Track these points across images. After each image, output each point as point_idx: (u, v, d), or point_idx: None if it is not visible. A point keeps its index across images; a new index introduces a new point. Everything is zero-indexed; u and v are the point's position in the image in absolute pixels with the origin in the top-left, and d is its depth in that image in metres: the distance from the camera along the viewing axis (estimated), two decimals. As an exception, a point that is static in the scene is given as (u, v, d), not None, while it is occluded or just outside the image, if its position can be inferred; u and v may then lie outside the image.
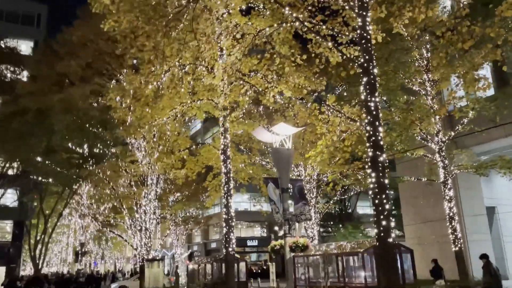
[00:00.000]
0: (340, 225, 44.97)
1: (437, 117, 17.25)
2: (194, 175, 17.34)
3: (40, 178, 21.04)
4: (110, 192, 22.15)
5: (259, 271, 41.58)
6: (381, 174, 8.52)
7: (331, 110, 10.79)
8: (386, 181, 8.58)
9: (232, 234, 14.13)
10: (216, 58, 13.31)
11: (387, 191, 8.47)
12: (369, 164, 8.68)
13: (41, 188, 24.99)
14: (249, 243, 54.32)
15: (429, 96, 17.45)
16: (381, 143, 8.75)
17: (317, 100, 12.02)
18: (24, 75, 26.95)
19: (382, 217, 8.33)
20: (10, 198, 36.64)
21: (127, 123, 14.76)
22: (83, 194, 27.43)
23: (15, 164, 29.53)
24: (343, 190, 31.19)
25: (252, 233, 57.49)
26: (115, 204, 26.42)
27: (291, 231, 10.95)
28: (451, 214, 16.96)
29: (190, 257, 56.98)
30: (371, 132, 8.73)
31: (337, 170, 27.23)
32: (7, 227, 44.64)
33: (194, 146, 17.35)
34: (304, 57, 12.17)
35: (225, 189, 14.46)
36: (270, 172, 21.06)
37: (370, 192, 8.66)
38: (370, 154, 8.66)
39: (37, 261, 19.86)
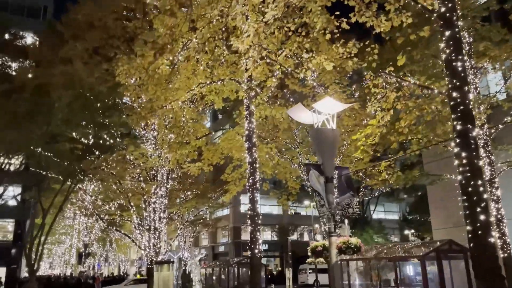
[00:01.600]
0: (355, 230, 42.82)
1: (482, 107, 15.22)
2: (210, 168, 15.34)
3: (42, 172, 19.12)
4: (117, 187, 20.19)
5: (269, 276, 39.55)
6: (474, 154, 6.51)
7: (388, 82, 8.82)
8: (480, 162, 6.60)
9: (258, 233, 12.10)
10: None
11: (480, 178, 6.48)
12: (457, 141, 6.66)
13: (41, 182, 23.09)
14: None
15: (472, 85, 15.47)
16: (472, 113, 6.76)
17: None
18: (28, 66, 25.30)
19: (478, 209, 6.33)
20: (11, 196, 34.90)
21: (138, 106, 12.83)
22: (87, 189, 25.43)
23: (17, 161, 27.87)
24: (364, 191, 29.12)
25: (262, 237, 55.28)
26: (122, 201, 24.50)
27: (337, 229, 8.96)
28: (498, 216, 14.93)
29: (214, 258, 54.94)
30: (459, 100, 6.73)
31: (361, 167, 25.14)
32: (9, 226, 42.91)
33: (213, 133, 15.38)
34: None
35: (250, 181, 12.46)
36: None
37: (460, 178, 6.65)
38: (459, 127, 6.64)
39: (32, 262, 17.96)
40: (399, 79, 8.22)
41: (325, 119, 9.71)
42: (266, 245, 52.61)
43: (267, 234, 55.32)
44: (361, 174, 27.75)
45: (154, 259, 20.30)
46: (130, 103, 16.30)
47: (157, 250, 20.57)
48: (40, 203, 20.34)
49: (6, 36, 26.58)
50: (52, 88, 13.07)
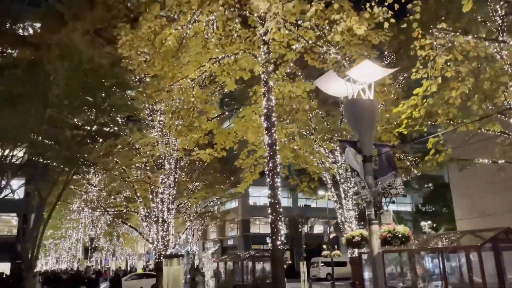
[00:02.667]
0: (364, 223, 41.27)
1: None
2: (223, 153, 14.02)
3: (43, 161, 17.90)
4: (122, 177, 18.93)
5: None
6: None
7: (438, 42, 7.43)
8: None
9: (280, 223, 10.79)
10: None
11: None
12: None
13: (44, 174, 21.86)
14: (268, 240, 50.89)
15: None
16: None
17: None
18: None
19: None
20: (15, 189, 33.89)
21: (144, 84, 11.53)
22: (93, 181, 24.20)
23: (20, 153, 26.73)
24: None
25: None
26: (128, 193, 23.29)
27: (378, 216, 7.62)
28: None
29: (223, 252, 53.79)
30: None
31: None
32: (13, 221, 41.99)
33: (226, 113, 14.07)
34: None
35: (270, 165, 11.12)
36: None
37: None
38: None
39: (29, 255, 16.78)
40: (454, 34, 6.80)
41: (360, 89, 8.37)
42: (276, 238, 51.44)
43: (276, 227, 54.12)
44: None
45: (163, 253, 19.09)
46: (135, 81, 14.98)
47: (166, 243, 19.36)
48: (39, 194, 19.15)
49: (7, 25, 25.38)
50: (47, 61, 11.78)
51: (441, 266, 8.33)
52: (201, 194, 25.15)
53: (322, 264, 43.42)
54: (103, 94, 12.71)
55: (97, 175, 26.98)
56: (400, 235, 8.60)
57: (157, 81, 11.85)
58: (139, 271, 47.04)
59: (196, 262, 30.01)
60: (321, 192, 30.28)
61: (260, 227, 52.47)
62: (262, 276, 18.94)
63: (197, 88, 14.37)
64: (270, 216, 10.84)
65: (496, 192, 22.50)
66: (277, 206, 10.88)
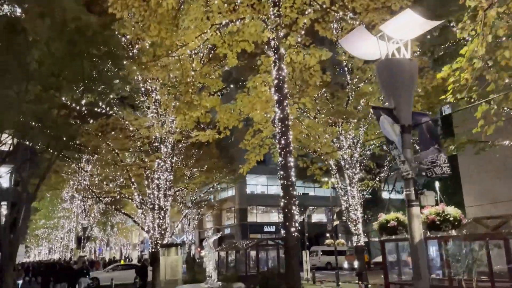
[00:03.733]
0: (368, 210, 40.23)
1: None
2: (227, 132, 12.73)
3: (28, 143, 16.51)
4: (115, 161, 17.57)
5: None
6: None
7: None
8: None
9: (294, 208, 9.57)
10: None
11: None
12: None
13: (34, 162, 20.43)
14: (265, 229, 50.03)
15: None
16: None
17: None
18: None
19: None
20: (5, 177, 32.46)
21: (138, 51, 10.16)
22: (83, 167, 22.79)
23: (9, 140, 25.28)
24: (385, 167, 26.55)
25: (269, 219, 53.12)
26: (121, 179, 21.96)
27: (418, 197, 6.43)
28: None
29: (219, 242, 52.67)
30: None
31: (379, 140, 22.53)
32: (2, 210, 40.61)
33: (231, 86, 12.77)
34: None
35: (282, 142, 9.86)
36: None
37: None
38: None
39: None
40: None
41: (395, 48, 7.10)
42: (274, 226, 50.52)
43: (274, 216, 53.18)
44: (384, 146, 25.25)
45: (159, 242, 17.86)
46: (128, 50, 13.56)
47: (163, 232, 18.12)
48: (24, 182, 17.81)
49: None
50: (25, 20, 10.34)
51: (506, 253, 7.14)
52: (200, 180, 23.89)
53: (321, 253, 42.66)
54: (92, 64, 11.27)
55: (89, 163, 25.66)
56: (451, 218, 7.38)
57: (153, 48, 10.49)
58: (122, 262, 45.63)
59: (192, 252, 28.81)
60: (324, 179, 29.08)
61: (257, 216, 51.48)
62: (271, 267, 17.77)
63: (197, 61, 13.03)
64: (283, 200, 9.61)
65: (509, 178, 21.48)
66: (291, 189, 9.65)
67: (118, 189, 19.01)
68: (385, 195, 51.86)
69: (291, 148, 9.94)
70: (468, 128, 18.97)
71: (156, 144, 18.68)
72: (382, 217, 10.03)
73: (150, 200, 18.61)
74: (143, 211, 18.66)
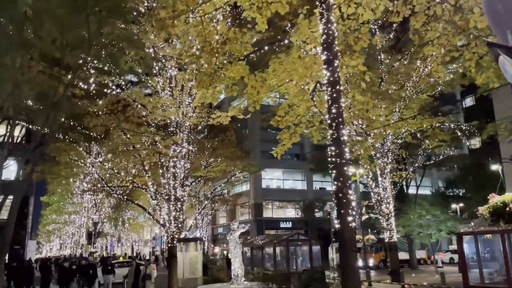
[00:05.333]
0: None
1: None
2: (257, 106, 10.83)
3: (30, 126, 14.89)
4: (126, 146, 15.79)
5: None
6: None
7: None
8: None
9: (350, 192, 7.69)
10: None
11: None
12: None
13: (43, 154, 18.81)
14: (282, 225, 48.18)
15: None
16: None
17: None
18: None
19: None
20: (13, 170, 31.11)
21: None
22: (93, 154, 21.06)
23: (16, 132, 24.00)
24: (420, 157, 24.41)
25: (284, 214, 51.21)
26: (134, 170, 20.26)
27: None
28: None
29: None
30: None
31: (413, 125, 20.42)
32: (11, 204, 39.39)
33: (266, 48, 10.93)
34: None
35: (333, 111, 7.97)
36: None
37: None
38: None
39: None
40: None
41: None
42: (290, 222, 48.66)
43: (290, 211, 51.31)
44: (418, 134, 23.13)
45: (176, 236, 16.11)
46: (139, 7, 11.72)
47: (180, 225, 16.36)
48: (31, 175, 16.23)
49: None
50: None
51: None
52: (218, 169, 22.08)
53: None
54: (98, 20, 9.46)
55: (99, 154, 24.00)
56: None
57: (173, 0, 8.67)
58: (121, 258, 43.70)
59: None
60: (351, 170, 27.04)
61: (273, 211, 49.60)
62: (316, 265, 15.83)
63: (222, 23, 11.18)
64: (336, 182, 7.72)
65: None
66: (345, 168, 7.75)
67: (130, 178, 17.25)
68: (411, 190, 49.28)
69: (343, 118, 8.05)
70: None
71: (171, 128, 16.90)
72: (495, 198, 7.99)
73: (165, 191, 16.86)
74: (158, 202, 16.91)
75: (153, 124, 17.08)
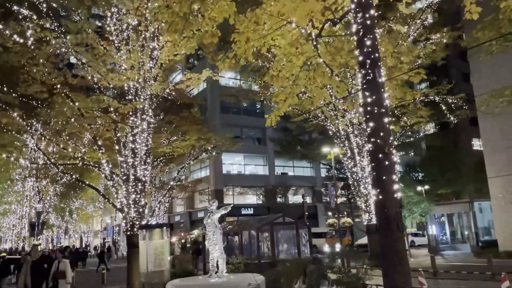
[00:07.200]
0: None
1: None
2: (249, 56, 8.56)
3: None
4: (74, 116, 12.92)
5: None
6: None
7: None
8: None
9: (392, 151, 5.72)
10: None
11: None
12: None
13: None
14: (243, 211, 46.21)
15: None
16: None
17: None
18: None
19: None
20: None
21: None
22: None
23: None
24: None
25: (245, 201, 49.31)
26: (82, 147, 17.30)
27: None
28: None
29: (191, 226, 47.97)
30: None
31: (394, 99, 18.88)
32: None
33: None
34: None
35: (367, 45, 5.93)
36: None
37: None
38: None
39: None
40: None
41: None
42: (252, 209, 46.84)
43: (250, 198, 49.49)
44: (396, 111, 21.76)
45: (137, 223, 13.57)
46: None
47: (141, 210, 13.82)
48: None
49: None
50: None
51: None
52: (189, 143, 19.52)
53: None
54: None
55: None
56: None
57: None
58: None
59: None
60: (325, 149, 25.46)
61: (234, 197, 47.49)
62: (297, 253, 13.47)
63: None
64: (373, 139, 5.70)
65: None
66: (385, 120, 5.76)
67: (80, 155, 14.38)
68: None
69: (378, 53, 6.00)
70: None
71: (130, 97, 14.20)
72: None
73: (123, 170, 14.22)
74: (114, 184, 14.22)
75: (106, 92, 14.34)
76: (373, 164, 5.76)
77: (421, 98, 18.72)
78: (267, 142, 48.73)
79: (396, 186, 5.56)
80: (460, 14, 23.38)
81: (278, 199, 46.55)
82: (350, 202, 39.71)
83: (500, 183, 20.78)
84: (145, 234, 12.61)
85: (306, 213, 23.89)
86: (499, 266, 14.80)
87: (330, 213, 38.74)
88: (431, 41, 18.81)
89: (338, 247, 31.77)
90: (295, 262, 8.55)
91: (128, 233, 13.47)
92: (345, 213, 40.27)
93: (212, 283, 8.86)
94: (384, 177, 5.58)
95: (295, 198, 49.90)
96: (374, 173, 5.75)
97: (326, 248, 33.85)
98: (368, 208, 20.38)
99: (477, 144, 52.27)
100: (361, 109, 6.07)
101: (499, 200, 20.72)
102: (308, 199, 44.50)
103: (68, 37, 13.60)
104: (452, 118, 19.19)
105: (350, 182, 20.93)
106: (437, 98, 18.42)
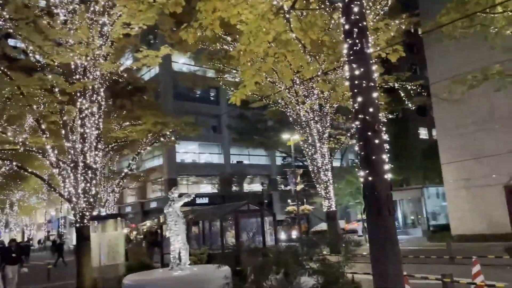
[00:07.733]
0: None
1: None
2: (217, 29, 7.78)
3: None
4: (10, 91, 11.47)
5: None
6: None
7: None
8: None
9: (381, 129, 5.23)
10: None
11: None
12: None
13: None
14: (198, 200, 45.16)
15: None
16: None
17: None
18: None
19: None
20: None
21: None
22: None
23: None
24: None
25: (199, 190, 48.27)
26: (25, 134, 15.68)
27: None
28: None
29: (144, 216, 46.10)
30: None
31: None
32: None
33: None
34: None
35: (355, 11, 5.37)
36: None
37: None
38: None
39: None
40: None
41: None
42: (206, 198, 45.93)
43: (205, 187, 48.53)
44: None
45: (88, 213, 12.43)
46: None
47: (92, 200, 12.67)
48: None
49: None
50: None
51: None
52: (145, 127, 18.31)
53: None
54: None
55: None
56: None
57: None
58: None
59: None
60: (285, 136, 25.08)
61: (188, 187, 46.30)
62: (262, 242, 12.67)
63: None
64: (361, 116, 5.19)
65: (496, 130, 19.31)
66: (373, 95, 5.26)
67: (21, 140, 12.90)
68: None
69: (366, 24, 5.47)
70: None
71: (77, 76, 12.91)
72: None
73: (70, 157, 12.97)
74: (61, 171, 12.93)
75: (49, 71, 12.93)
76: (361, 143, 5.25)
77: (382, 84, 18.75)
78: (222, 130, 47.88)
79: (386, 167, 5.09)
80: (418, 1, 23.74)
81: (234, 188, 45.99)
82: (305, 190, 39.93)
83: (454, 169, 21.41)
84: (97, 225, 11.56)
85: (266, 201, 23.50)
86: (453, 250, 15.18)
87: (289, 200, 38.85)
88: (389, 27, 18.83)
89: (294, 234, 31.83)
90: (273, 250, 7.93)
91: (78, 225, 12.31)
92: (305, 200, 40.45)
93: (176, 277, 8.09)
94: (373, 157, 5.09)
95: (250, 187, 49.58)
96: (362, 153, 5.24)
97: (283, 236, 33.83)
98: (327, 195, 20.28)
99: (423, 133, 54.52)
100: (347, 83, 5.50)
101: (452, 186, 21.36)
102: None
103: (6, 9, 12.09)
104: (410, 105, 19.41)
105: (310, 169, 20.71)
106: (396, 85, 18.51)
